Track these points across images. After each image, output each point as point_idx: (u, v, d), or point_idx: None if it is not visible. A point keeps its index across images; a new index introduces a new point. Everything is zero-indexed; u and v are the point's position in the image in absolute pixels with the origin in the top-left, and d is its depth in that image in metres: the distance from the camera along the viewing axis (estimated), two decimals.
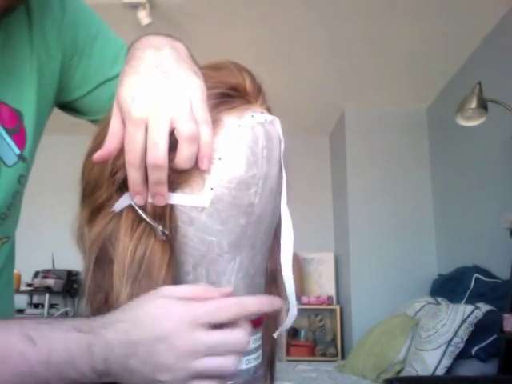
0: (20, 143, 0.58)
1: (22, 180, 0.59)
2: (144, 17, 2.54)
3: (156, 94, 0.45)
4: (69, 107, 0.70)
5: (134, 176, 0.45)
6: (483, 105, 2.21)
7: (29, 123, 0.59)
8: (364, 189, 3.67)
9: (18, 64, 0.57)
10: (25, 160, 0.59)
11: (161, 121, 0.44)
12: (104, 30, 0.69)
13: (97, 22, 0.68)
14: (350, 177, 3.71)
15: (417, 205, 3.62)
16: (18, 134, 0.57)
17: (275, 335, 0.53)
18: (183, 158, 0.45)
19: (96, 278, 0.49)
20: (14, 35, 0.58)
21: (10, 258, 0.65)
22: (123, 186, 0.48)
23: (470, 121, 2.32)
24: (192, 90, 0.46)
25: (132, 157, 0.45)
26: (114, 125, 0.47)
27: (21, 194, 0.61)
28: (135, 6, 2.54)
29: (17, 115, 0.57)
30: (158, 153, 0.44)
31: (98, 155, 0.47)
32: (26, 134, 0.58)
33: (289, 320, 0.52)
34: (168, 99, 0.45)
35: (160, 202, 0.47)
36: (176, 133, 0.44)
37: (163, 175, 0.45)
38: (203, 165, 0.46)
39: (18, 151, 0.57)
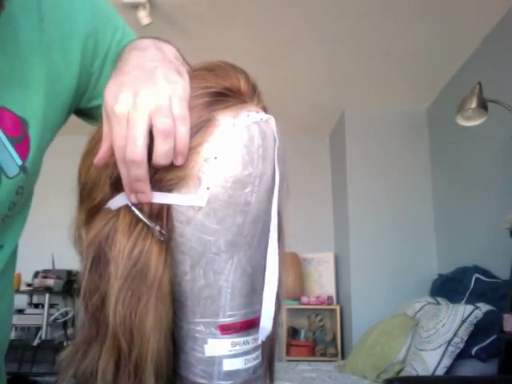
0: (23, 154, 0.55)
1: (20, 191, 0.57)
2: (144, 17, 2.54)
3: (137, 91, 0.46)
4: (86, 113, 0.69)
5: (125, 173, 0.46)
6: (483, 105, 2.21)
7: (33, 132, 0.56)
8: (364, 189, 3.67)
9: (25, 70, 0.55)
10: (26, 171, 0.57)
11: (139, 117, 0.44)
12: (129, 35, 0.67)
13: (122, 27, 0.66)
14: (349, 177, 3.71)
15: (417, 205, 3.62)
16: (21, 144, 0.55)
17: (259, 341, 0.53)
18: (158, 153, 0.45)
19: (92, 280, 0.49)
20: (22, 40, 0.56)
21: (7, 270, 0.63)
22: (119, 186, 0.48)
23: (470, 121, 2.32)
24: (173, 89, 0.47)
25: (119, 154, 0.45)
26: (105, 126, 0.48)
27: (19, 204, 0.59)
28: (135, 6, 2.55)
29: (21, 123, 0.55)
30: (136, 148, 0.44)
31: (96, 160, 0.47)
32: (29, 144, 0.56)
33: (261, 333, 0.52)
34: (147, 96, 0.45)
35: (143, 200, 0.47)
36: (153, 129, 0.45)
37: (143, 171, 0.45)
38: (177, 161, 0.46)
39: (19, 162, 0.55)
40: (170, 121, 0.45)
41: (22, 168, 0.55)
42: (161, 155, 0.45)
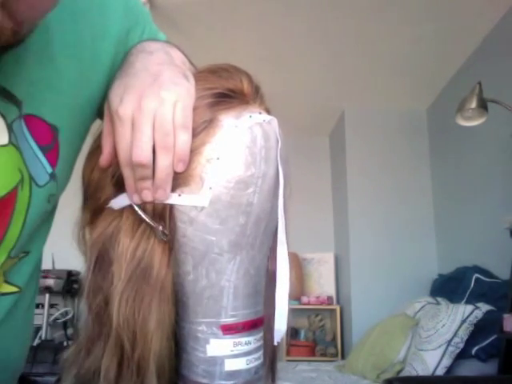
0: (53, 161, 0.53)
1: (51, 199, 0.55)
2: None
3: (142, 94, 0.46)
4: None
5: (128, 174, 0.47)
6: (483, 105, 2.21)
7: (63, 139, 0.54)
8: (364, 189, 3.67)
9: (58, 75, 0.52)
10: (56, 178, 0.55)
11: (144, 119, 0.45)
12: (154, 34, 0.64)
13: (149, 28, 0.63)
14: (349, 177, 3.71)
15: (417, 205, 3.62)
16: (51, 152, 0.53)
17: (275, 343, 0.53)
18: (159, 166, 0.46)
19: (96, 280, 0.49)
20: (56, 44, 0.53)
21: (33, 277, 0.62)
22: (122, 185, 0.48)
23: (470, 121, 2.32)
24: (178, 93, 0.47)
25: (123, 156, 0.46)
26: (106, 126, 0.48)
27: (50, 212, 0.58)
28: None
29: (52, 130, 0.53)
30: (142, 152, 0.45)
31: (101, 161, 0.49)
32: (58, 151, 0.54)
33: (276, 335, 0.52)
34: (153, 99, 0.45)
35: (147, 197, 0.47)
36: (155, 144, 0.46)
37: (148, 172, 0.46)
38: (178, 168, 0.47)
39: (50, 170, 0.53)
40: (170, 137, 0.46)
41: (52, 176, 0.54)
42: (162, 169, 0.46)
